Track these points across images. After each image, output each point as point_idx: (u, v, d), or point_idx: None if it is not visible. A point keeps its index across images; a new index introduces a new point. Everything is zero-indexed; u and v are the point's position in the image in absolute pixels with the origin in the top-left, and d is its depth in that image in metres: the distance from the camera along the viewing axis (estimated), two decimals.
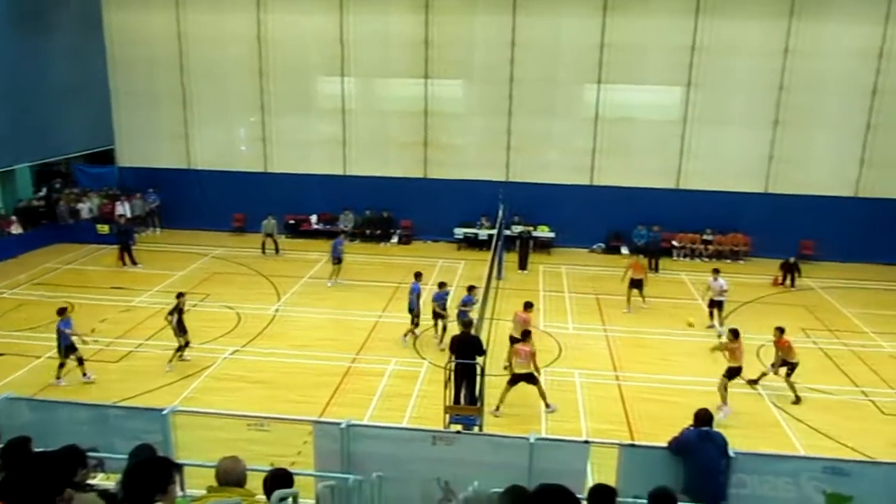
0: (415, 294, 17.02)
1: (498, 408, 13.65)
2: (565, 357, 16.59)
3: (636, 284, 19.69)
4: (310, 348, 16.74)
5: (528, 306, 15.60)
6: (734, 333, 14.21)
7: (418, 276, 17.58)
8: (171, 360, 15.43)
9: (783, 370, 14.79)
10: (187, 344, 15.69)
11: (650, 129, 25.36)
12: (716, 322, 18.47)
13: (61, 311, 14.65)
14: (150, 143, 27.29)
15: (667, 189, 25.27)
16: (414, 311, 16.96)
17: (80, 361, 14.61)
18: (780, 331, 14.99)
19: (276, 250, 24.51)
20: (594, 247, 26.05)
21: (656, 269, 23.24)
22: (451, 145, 26.38)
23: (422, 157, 26.26)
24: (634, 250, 24.69)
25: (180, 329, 15.51)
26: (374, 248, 25.63)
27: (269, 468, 5.88)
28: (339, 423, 8.50)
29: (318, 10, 25.55)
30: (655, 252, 23.68)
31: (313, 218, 27.09)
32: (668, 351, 17.05)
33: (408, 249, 25.89)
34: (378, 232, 26.32)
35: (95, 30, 26.43)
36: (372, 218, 26.65)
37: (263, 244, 24.45)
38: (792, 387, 14.72)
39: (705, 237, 25.32)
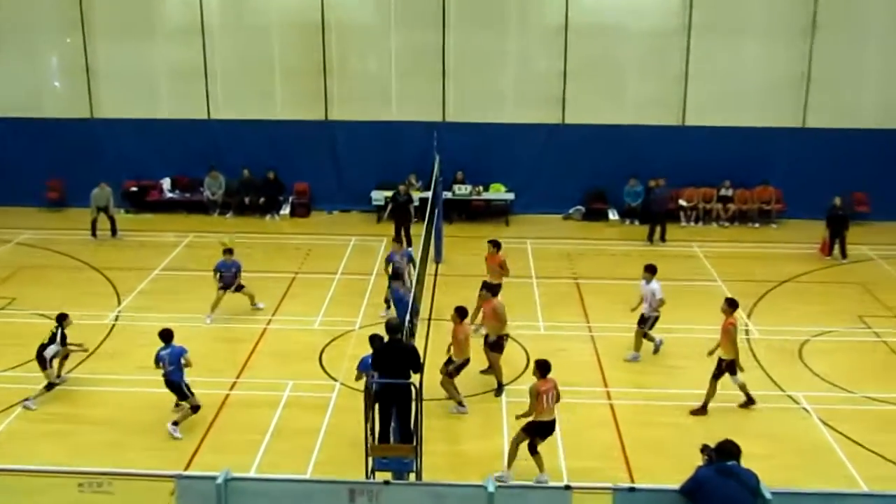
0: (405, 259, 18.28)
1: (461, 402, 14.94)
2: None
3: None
4: None
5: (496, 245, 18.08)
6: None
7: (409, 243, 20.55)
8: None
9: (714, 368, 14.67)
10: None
11: (640, 43, 25.74)
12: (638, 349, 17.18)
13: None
14: None
15: (667, 126, 25.74)
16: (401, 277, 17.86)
17: None
18: (731, 305, 14.83)
19: (113, 231, 24.10)
20: (570, 212, 26.31)
21: (662, 239, 23.71)
22: (361, 73, 26.29)
23: (320, 90, 26.04)
24: (626, 214, 25.06)
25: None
26: (257, 224, 25.32)
27: None
28: (213, 477, 8.41)
29: None
30: (660, 216, 24.01)
31: (165, 183, 26.69)
32: (672, 354, 17.32)
33: (304, 224, 25.71)
34: (261, 200, 26.01)
35: None
36: (252, 181, 26.31)
37: (94, 223, 23.97)
38: (711, 391, 14.74)
39: (723, 192, 25.85)
